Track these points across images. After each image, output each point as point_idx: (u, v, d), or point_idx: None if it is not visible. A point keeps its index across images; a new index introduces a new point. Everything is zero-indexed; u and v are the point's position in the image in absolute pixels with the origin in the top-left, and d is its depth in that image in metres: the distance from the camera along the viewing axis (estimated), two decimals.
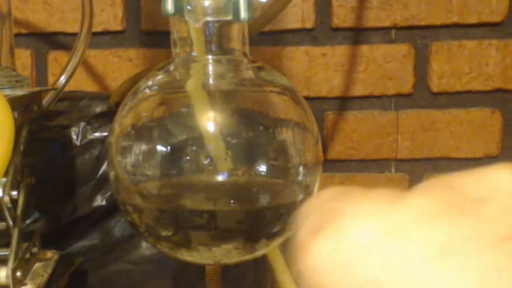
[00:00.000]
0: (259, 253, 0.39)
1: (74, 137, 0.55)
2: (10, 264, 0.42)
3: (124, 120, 0.39)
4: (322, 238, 0.17)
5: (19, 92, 0.45)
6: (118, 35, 0.74)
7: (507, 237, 0.16)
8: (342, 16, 0.74)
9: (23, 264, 0.45)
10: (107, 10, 0.73)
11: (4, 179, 0.42)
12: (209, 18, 0.37)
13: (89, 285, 0.54)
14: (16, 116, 0.40)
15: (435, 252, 0.16)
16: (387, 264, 0.16)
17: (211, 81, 0.39)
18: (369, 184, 0.76)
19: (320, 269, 0.17)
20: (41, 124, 0.55)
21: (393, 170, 0.76)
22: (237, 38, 0.39)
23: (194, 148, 0.37)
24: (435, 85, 0.75)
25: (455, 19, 0.74)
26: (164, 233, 0.38)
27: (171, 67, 0.39)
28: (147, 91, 0.40)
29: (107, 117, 0.57)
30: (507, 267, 0.15)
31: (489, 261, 0.16)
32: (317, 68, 0.75)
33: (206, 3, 0.37)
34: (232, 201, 0.38)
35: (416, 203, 0.17)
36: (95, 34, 0.66)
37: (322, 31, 0.74)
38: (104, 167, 0.55)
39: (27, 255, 0.46)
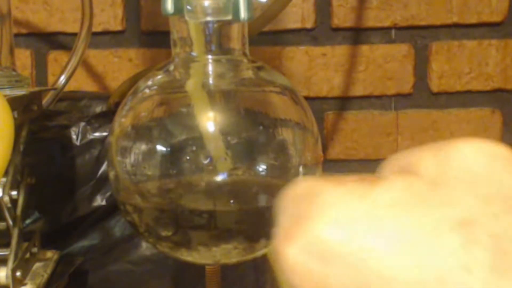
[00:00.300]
0: (259, 253, 0.39)
1: (74, 137, 0.55)
2: (10, 264, 0.42)
3: (124, 120, 0.39)
4: (293, 239, 0.18)
5: (19, 92, 0.45)
6: (118, 35, 0.74)
7: (465, 221, 0.16)
8: (342, 16, 0.74)
9: (23, 264, 0.45)
10: (107, 10, 0.73)
11: (4, 179, 0.42)
12: (209, 18, 0.37)
13: (89, 285, 0.54)
14: (16, 116, 0.40)
15: (396, 244, 0.17)
16: (354, 256, 0.17)
17: (211, 81, 0.39)
18: None
19: (292, 273, 0.18)
20: (41, 124, 0.55)
21: None
22: (237, 38, 0.39)
23: (194, 148, 0.37)
24: (435, 85, 0.75)
25: (455, 19, 0.74)
26: (164, 233, 0.38)
27: (171, 67, 0.39)
28: (147, 91, 0.40)
29: (107, 117, 0.57)
30: (465, 251, 0.16)
31: (447, 248, 0.16)
32: (317, 68, 0.75)
33: (206, 3, 0.37)
34: (232, 201, 0.38)
35: (380, 194, 0.18)
36: (95, 34, 0.66)
37: (322, 31, 0.74)
38: (104, 167, 0.55)
39: (27, 255, 0.46)
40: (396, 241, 0.17)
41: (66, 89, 0.56)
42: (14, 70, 0.49)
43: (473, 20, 0.74)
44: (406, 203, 0.17)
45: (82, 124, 0.56)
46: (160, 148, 0.38)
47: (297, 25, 0.74)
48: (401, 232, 0.17)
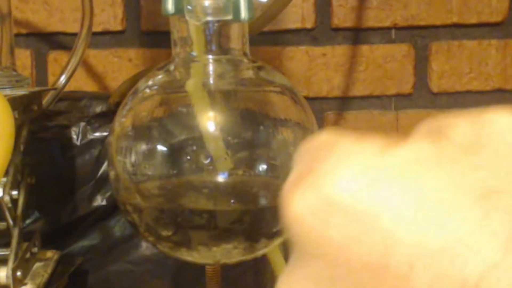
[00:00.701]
0: (259, 253, 0.39)
1: (74, 137, 0.55)
2: (10, 264, 0.42)
3: (124, 120, 0.39)
4: (302, 189, 0.17)
5: (19, 92, 0.45)
6: (118, 35, 0.74)
7: (492, 190, 0.15)
8: (342, 16, 0.74)
9: (23, 264, 0.45)
10: (107, 10, 0.73)
11: (4, 179, 0.42)
12: (209, 18, 0.37)
13: (89, 285, 0.54)
14: (16, 116, 0.40)
15: (414, 202, 0.16)
16: (364, 213, 0.16)
17: (211, 81, 0.39)
18: None
19: (298, 227, 0.17)
20: (41, 124, 0.55)
21: None
22: (237, 38, 0.39)
23: (194, 148, 0.37)
24: (435, 85, 0.75)
25: (455, 19, 0.74)
26: (164, 233, 0.38)
27: (171, 67, 0.39)
28: (147, 91, 0.40)
29: (107, 117, 0.57)
30: (488, 221, 0.15)
31: (465, 215, 0.15)
32: (317, 68, 0.75)
33: (206, 3, 0.37)
34: (232, 201, 0.38)
35: (405, 151, 0.17)
36: (95, 34, 0.66)
37: (322, 31, 0.74)
38: (104, 167, 0.55)
39: (27, 255, 0.46)
40: (410, 201, 0.15)
41: (66, 89, 0.56)
42: (14, 70, 0.49)
43: (473, 20, 0.74)
44: (430, 162, 0.16)
45: (82, 124, 0.56)
46: (160, 148, 0.38)
47: (297, 25, 0.74)
48: (418, 192, 0.16)
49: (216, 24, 0.37)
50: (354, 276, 0.16)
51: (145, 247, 0.54)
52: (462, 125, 0.17)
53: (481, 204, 0.15)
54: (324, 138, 0.18)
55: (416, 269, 0.15)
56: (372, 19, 0.74)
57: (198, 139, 0.37)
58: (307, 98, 0.43)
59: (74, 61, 0.56)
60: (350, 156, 0.17)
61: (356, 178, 0.16)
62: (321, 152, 0.18)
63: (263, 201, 0.39)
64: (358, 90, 0.75)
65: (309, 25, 0.74)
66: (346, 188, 0.16)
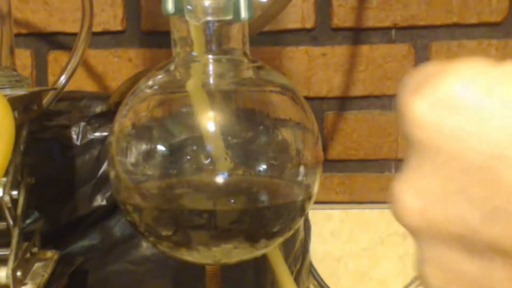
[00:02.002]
0: (259, 253, 0.39)
1: (74, 137, 0.55)
2: (10, 264, 0.42)
3: (124, 120, 0.40)
4: (420, 96, 0.17)
5: (19, 92, 0.45)
6: (118, 35, 0.74)
7: None
8: (342, 16, 0.74)
9: (23, 264, 0.45)
10: (107, 10, 0.73)
11: (4, 179, 0.42)
12: (209, 18, 0.37)
13: (89, 285, 0.54)
14: (16, 116, 0.40)
15: None
16: (484, 117, 0.16)
17: (211, 80, 0.39)
18: (369, 184, 0.76)
19: (419, 125, 0.17)
20: (41, 124, 0.55)
21: (393, 170, 0.76)
22: (237, 37, 0.39)
23: (194, 148, 0.37)
24: None
25: (455, 19, 0.74)
26: (164, 232, 0.38)
27: (171, 67, 0.39)
28: (147, 91, 0.40)
29: (107, 117, 0.57)
30: None
31: None
32: (317, 68, 0.75)
33: (207, 3, 0.37)
34: (232, 201, 0.38)
35: None
36: (95, 34, 0.66)
37: (322, 31, 0.74)
38: (104, 167, 0.55)
39: (27, 255, 0.46)
40: None
41: (66, 89, 0.56)
42: (14, 70, 0.49)
43: (473, 20, 0.74)
44: None
45: (82, 124, 0.56)
46: (160, 148, 0.38)
47: (297, 25, 0.74)
48: None
49: (216, 24, 0.37)
50: (469, 170, 0.16)
51: (145, 247, 0.54)
52: None
53: None
54: (433, 64, 0.19)
55: None
56: (372, 19, 0.74)
57: (198, 139, 0.37)
58: (307, 98, 0.43)
59: (74, 61, 0.56)
60: (467, 66, 0.17)
61: (475, 78, 0.17)
62: (435, 68, 0.18)
63: (263, 201, 0.39)
64: (358, 90, 0.75)
65: (309, 25, 0.74)
66: (466, 87, 0.17)
